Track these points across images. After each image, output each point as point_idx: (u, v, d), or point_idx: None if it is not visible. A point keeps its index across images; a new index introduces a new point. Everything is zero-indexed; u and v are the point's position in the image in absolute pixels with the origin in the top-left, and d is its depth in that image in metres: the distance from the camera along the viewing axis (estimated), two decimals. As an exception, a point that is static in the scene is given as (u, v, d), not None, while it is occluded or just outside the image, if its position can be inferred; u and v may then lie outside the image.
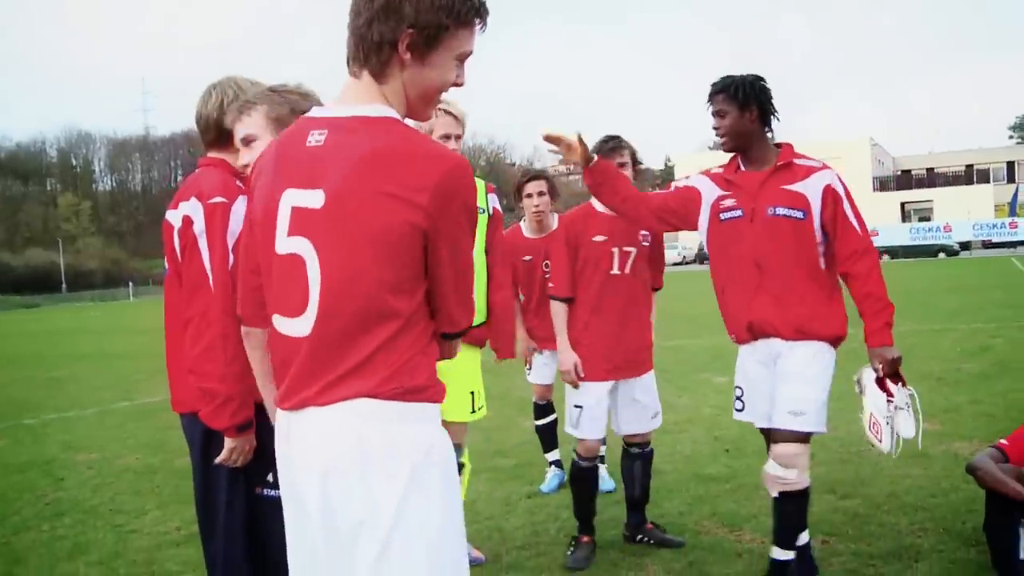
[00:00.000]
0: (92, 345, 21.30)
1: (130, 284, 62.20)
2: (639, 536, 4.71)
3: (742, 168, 3.90)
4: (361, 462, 1.89)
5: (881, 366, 3.60)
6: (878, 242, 41.42)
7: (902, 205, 57.79)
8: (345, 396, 1.90)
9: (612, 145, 4.61)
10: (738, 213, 3.83)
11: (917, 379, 8.87)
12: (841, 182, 3.79)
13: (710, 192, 3.94)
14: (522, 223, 5.77)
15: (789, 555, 3.81)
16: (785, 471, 3.69)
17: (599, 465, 5.77)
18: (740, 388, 4.00)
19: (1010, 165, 68.34)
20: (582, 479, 4.62)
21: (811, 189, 3.73)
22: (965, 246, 41.35)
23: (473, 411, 4.16)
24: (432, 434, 1.97)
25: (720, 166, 4.00)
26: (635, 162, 4.69)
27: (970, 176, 64.12)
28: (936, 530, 4.62)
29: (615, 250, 4.51)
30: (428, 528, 1.90)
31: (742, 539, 4.61)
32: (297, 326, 1.95)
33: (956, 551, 4.29)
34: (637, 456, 4.70)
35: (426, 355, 1.96)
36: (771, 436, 3.79)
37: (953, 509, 4.78)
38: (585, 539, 4.59)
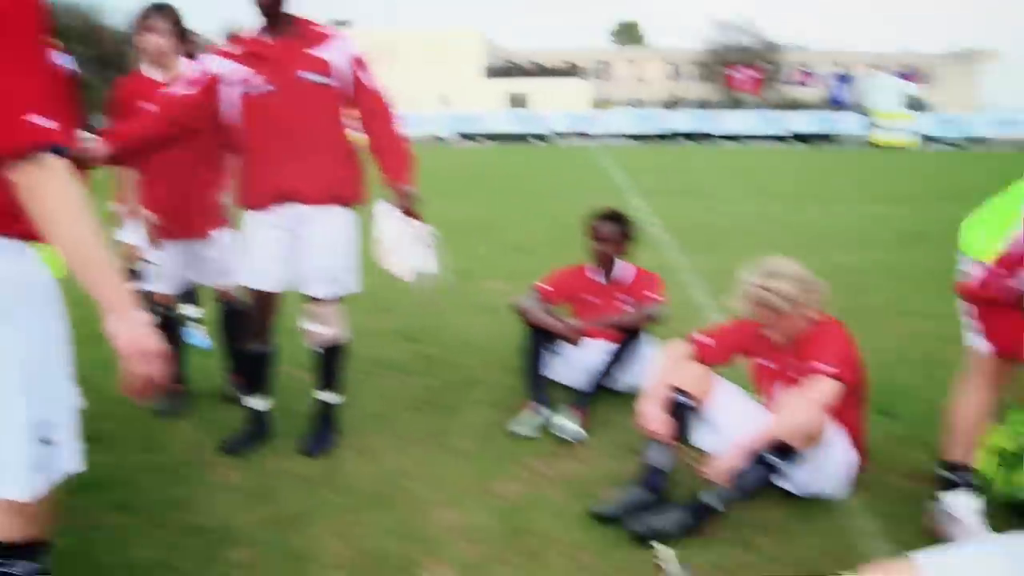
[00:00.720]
0: None
1: None
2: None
3: (263, 39, 3.92)
4: None
5: (402, 202, 3.94)
6: (483, 127, 43.86)
7: (508, 94, 60.91)
8: None
9: (143, 15, 4.45)
10: (265, 85, 3.86)
11: (503, 248, 9.87)
12: (357, 48, 3.99)
13: (231, 71, 3.90)
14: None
15: (334, 398, 4.24)
16: (324, 329, 4.09)
17: (193, 322, 5.92)
18: (253, 253, 4.06)
19: (604, 64, 74.56)
20: (160, 327, 4.74)
21: (334, 55, 3.91)
22: (559, 135, 44.64)
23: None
24: (29, 270, 1.97)
25: (231, 42, 4.02)
26: (180, 31, 4.53)
27: (569, 71, 68.93)
28: (496, 365, 5.41)
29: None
30: (18, 362, 1.93)
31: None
32: None
33: (508, 378, 5.06)
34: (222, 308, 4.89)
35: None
36: (307, 299, 4.08)
37: (512, 349, 5.48)
38: (178, 387, 4.78)
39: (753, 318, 3.61)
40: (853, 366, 3.55)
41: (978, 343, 3.34)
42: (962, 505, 3.33)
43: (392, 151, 4.01)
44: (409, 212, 3.97)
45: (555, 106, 48.67)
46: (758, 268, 3.57)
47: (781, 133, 45.36)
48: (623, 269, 4.90)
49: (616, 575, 3.10)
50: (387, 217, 3.97)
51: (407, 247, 3.97)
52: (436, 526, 3.44)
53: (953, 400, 3.46)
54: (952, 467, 3.39)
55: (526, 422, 4.37)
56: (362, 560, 3.17)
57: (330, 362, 4.19)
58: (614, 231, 4.79)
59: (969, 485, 3.36)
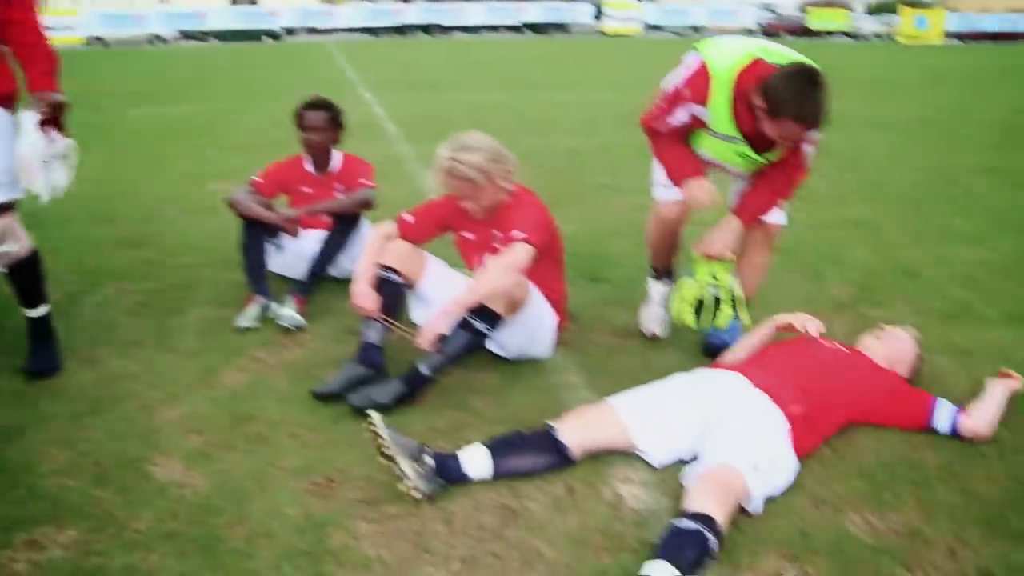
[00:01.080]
0: None
1: None
2: None
3: None
4: None
5: (46, 110, 3.51)
6: (207, 25, 41.48)
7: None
8: None
9: None
10: None
11: (228, 148, 9.67)
12: None
13: None
14: None
15: (42, 311, 3.93)
16: (8, 246, 3.68)
17: None
18: None
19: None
20: None
21: None
22: (290, 31, 43.15)
23: None
24: None
25: None
26: None
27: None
28: (219, 263, 5.41)
29: None
30: None
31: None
32: None
33: (231, 275, 5.05)
34: None
35: None
36: None
37: (235, 246, 5.38)
38: None
39: (450, 191, 3.79)
40: (545, 231, 3.80)
41: (655, 192, 4.22)
42: (655, 290, 4.46)
43: (34, 52, 3.52)
44: (52, 121, 3.54)
45: (284, 1, 46.82)
46: (450, 142, 3.73)
47: (514, 23, 46.00)
48: (336, 158, 4.98)
49: (338, 447, 3.26)
50: (28, 127, 3.50)
51: (43, 162, 3.56)
52: (162, 423, 3.47)
53: (646, 231, 4.42)
54: (655, 269, 4.49)
55: (248, 315, 4.43)
56: (86, 464, 3.15)
57: (24, 279, 3.86)
58: (322, 119, 4.82)
59: (663, 279, 4.44)
